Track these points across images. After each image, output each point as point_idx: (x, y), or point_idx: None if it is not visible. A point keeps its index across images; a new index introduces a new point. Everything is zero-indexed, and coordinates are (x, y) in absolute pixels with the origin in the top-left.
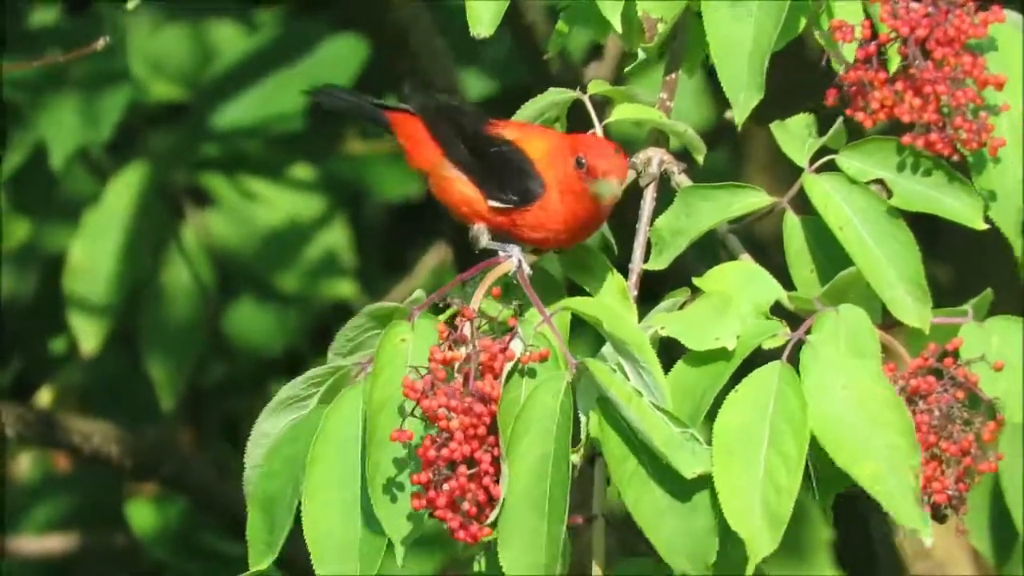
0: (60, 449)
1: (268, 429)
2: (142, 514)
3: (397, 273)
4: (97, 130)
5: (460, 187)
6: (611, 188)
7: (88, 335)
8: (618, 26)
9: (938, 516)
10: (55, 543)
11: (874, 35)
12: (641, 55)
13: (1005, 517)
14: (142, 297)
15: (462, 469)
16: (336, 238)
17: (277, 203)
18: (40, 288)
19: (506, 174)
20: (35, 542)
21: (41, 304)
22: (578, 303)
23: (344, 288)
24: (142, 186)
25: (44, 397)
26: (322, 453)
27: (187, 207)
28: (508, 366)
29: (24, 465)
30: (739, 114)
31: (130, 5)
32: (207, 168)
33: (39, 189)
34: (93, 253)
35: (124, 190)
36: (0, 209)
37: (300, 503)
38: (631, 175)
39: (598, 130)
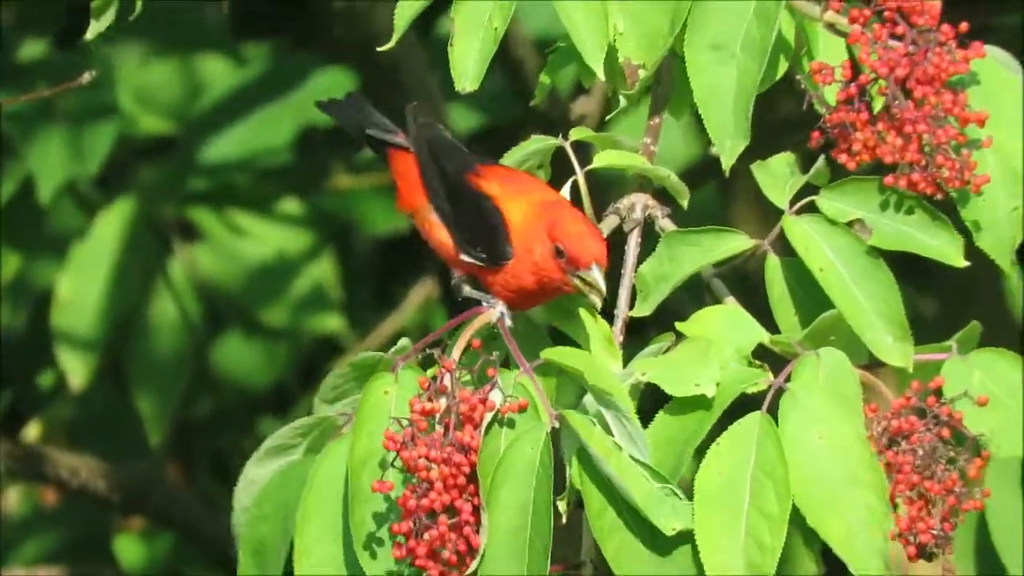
0: (48, 483)
1: (255, 476)
2: (130, 548)
3: (385, 308)
4: (85, 164)
5: (439, 233)
6: (597, 281)
7: (76, 370)
8: (601, 74)
9: (924, 555)
10: None
11: (855, 75)
12: (623, 102)
13: (991, 553)
14: (130, 331)
15: (443, 519)
16: (323, 272)
17: (265, 237)
18: (28, 322)
19: (479, 230)
20: None
21: (30, 338)
22: (559, 354)
23: (331, 322)
24: (130, 220)
25: (32, 432)
26: (314, 508)
27: (175, 241)
28: (488, 416)
29: (12, 499)
30: (726, 160)
31: (89, 35)
32: (195, 202)
33: (27, 223)
34: (81, 287)
35: (112, 224)
36: None
37: (292, 553)
38: (614, 220)
39: (580, 177)
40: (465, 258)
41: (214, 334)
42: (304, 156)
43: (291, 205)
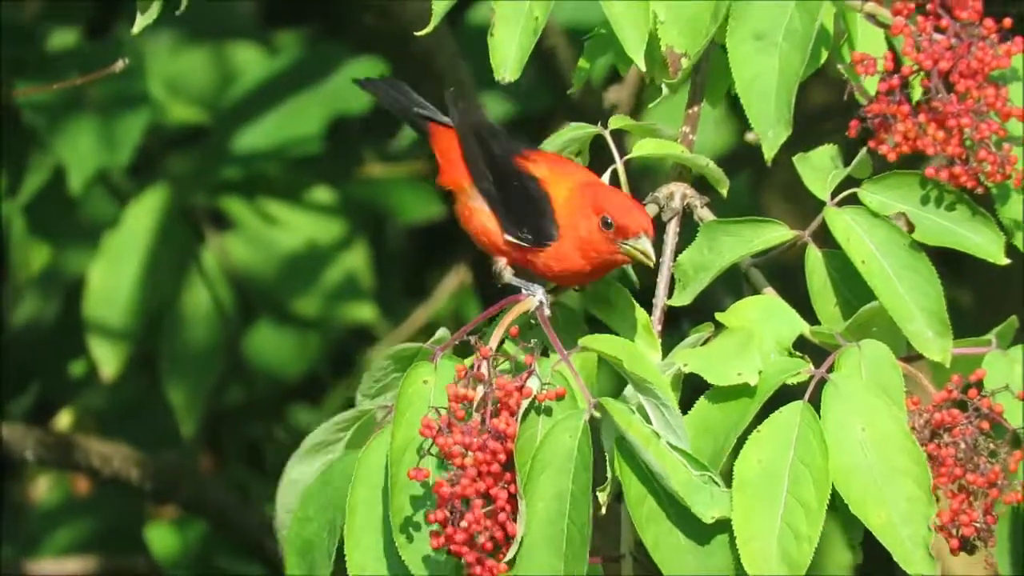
0: (80, 472)
1: (297, 476)
2: (162, 537)
3: (417, 296)
4: (116, 153)
5: (482, 218)
6: (646, 248)
7: (108, 360)
8: (641, 63)
9: (967, 548)
10: (74, 566)
11: (897, 67)
12: (665, 90)
13: None
14: (162, 321)
15: (477, 505)
16: (355, 261)
17: (297, 226)
18: (60, 312)
19: (526, 211)
20: (55, 565)
21: (61, 328)
22: (598, 342)
23: (364, 312)
24: (162, 209)
25: (63, 421)
26: (360, 500)
27: (207, 230)
28: (524, 404)
29: (43, 488)
30: (768, 150)
31: (135, 30)
32: (227, 191)
33: (58, 213)
34: (113, 277)
35: (144, 213)
36: (11, 234)
37: (341, 549)
38: (653, 209)
39: (619, 165)
40: (510, 239)
41: (246, 323)
42: (336, 145)
43: (323, 194)
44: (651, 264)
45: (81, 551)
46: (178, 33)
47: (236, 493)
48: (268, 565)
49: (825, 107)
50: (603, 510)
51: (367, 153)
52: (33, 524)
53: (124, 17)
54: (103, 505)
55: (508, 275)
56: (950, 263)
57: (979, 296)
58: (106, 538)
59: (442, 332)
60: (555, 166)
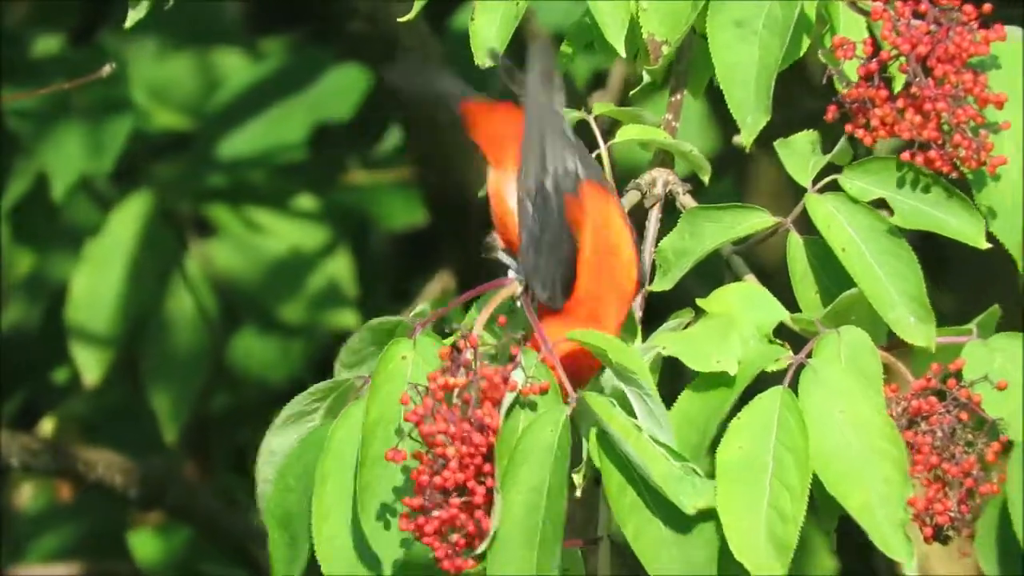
0: (64, 478)
1: (275, 447)
2: (146, 544)
3: (401, 303)
4: (100, 160)
5: (508, 220)
6: None
7: (90, 367)
8: (622, 50)
9: (940, 537)
10: (58, 572)
11: (876, 52)
12: (646, 78)
13: (1013, 540)
14: (145, 327)
15: (454, 499)
16: (339, 268)
17: (281, 233)
18: (43, 318)
19: (551, 267)
20: (38, 571)
21: (44, 334)
22: (582, 332)
23: (347, 318)
24: (145, 216)
25: (46, 427)
26: (331, 471)
27: (190, 237)
28: (509, 397)
29: (27, 494)
30: (747, 136)
31: (128, 24)
32: (211, 198)
33: (42, 219)
34: (96, 283)
35: (127, 220)
36: (0, 240)
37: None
38: (635, 196)
39: (603, 150)
40: (531, 297)
41: (230, 330)
42: (320, 152)
43: (307, 201)
44: None
45: (65, 557)
46: (162, 39)
47: (221, 499)
48: (253, 570)
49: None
50: (578, 493)
51: (351, 160)
52: (17, 530)
53: (108, 23)
54: (87, 511)
55: (500, 254)
56: (930, 262)
57: (960, 296)
58: (90, 544)
59: (422, 307)
60: (599, 226)
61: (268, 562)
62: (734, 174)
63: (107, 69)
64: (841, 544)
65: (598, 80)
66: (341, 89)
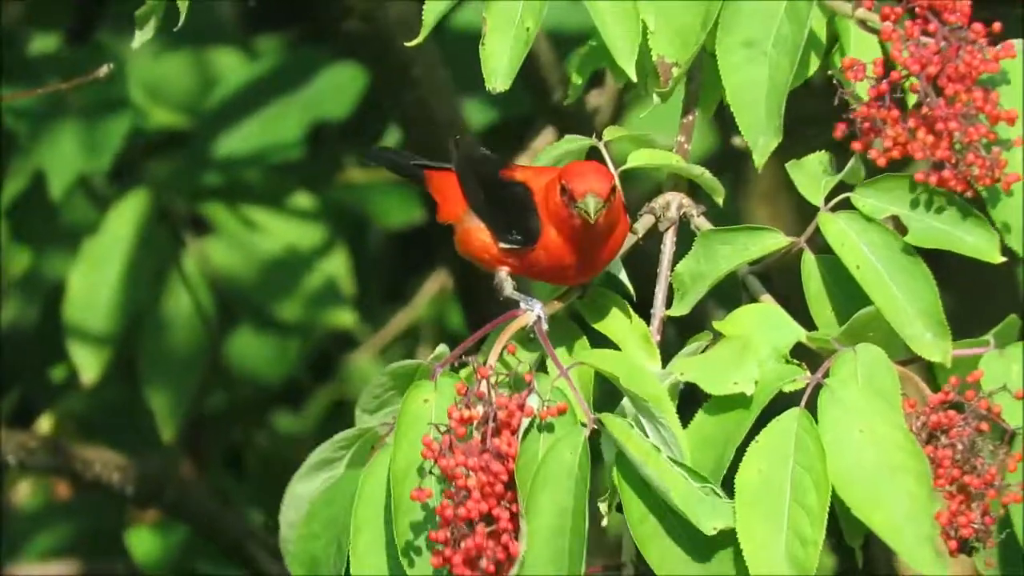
0: (61, 476)
1: (301, 492)
2: (143, 541)
3: (398, 301)
4: (97, 159)
5: (478, 235)
6: (589, 206)
7: (88, 365)
8: (633, 75)
9: (965, 550)
10: (55, 570)
11: (887, 72)
12: (656, 100)
13: (1014, 541)
14: (142, 326)
15: (480, 527)
16: (336, 267)
17: (277, 232)
18: (40, 317)
19: (512, 214)
20: (36, 569)
21: (41, 333)
22: (596, 357)
23: (344, 317)
24: (142, 214)
25: (44, 425)
26: (364, 519)
27: (187, 235)
28: (525, 422)
29: (24, 492)
30: (759, 158)
31: (135, 44)
32: (207, 196)
33: (39, 218)
34: (93, 282)
35: (124, 218)
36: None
37: (347, 567)
38: (649, 220)
39: (615, 176)
40: (504, 246)
41: (227, 329)
42: (316, 150)
43: (303, 199)
44: (590, 220)
45: (62, 555)
46: (159, 38)
47: (217, 498)
48: (249, 569)
49: (814, 117)
50: (605, 521)
51: (347, 158)
52: (14, 528)
53: (105, 22)
54: (84, 509)
55: (508, 288)
56: (931, 267)
57: (962, 303)
58: (87, 542)
59: (441, 349)
60: (537, 171)
61: (264, 562)
62: (732, 174)
63: (105, 69)
64: (841, 543)
65: (596, 79)
66: (337, 88)
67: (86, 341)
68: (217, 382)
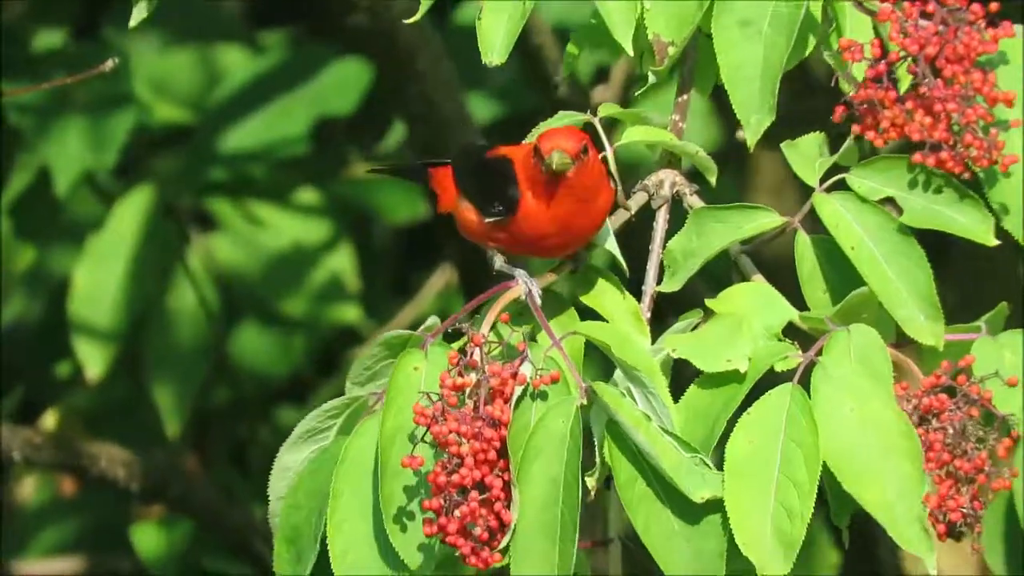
0: (66, 472)
1: (289, 462)
2: (148, 537)
3: (403, 296)
4: (102, 154)
5: (468, 215)
6: (553, 159)
7: (93, 360)
8: (630, 49)
9: (953, 534)
10: (61, 566)
11: (884, 54)
12: (652, 78)
13: (1019, 535)
14: (147, 322)
15: (473, 494)
16: (341, 262)
17: (282, 227)
18: (45, 312)
19: (493, 187)
20: (41, 565)
21: (46, 328)
22: (588, 327)
23: (349, 313)
24: (147, 210)
25: (49, 421)
26: (345, 485)
27: (192, 231)
28: (518, 390)
29: (30, 488)
30: (751, 136)
31: (132, 23)
32: (212, 192)
33: (44, 214)
34: (98, 277)
35: (129, 214)
36: (0, 234)
37: (325, 535)
38: (643, 197)
39: (609, 153)
40: (488, 220)
41: (232, 324)
42: (321, 145)
43: (308, 195)
44: (553, 171)
45: (67, 551)
46: (164, 34)
47: (222, 493)
48: (254, 564)
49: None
50: (592, 495)
51: (352, 154)
52: (20, 524)
53: (110, 17)
54: (89, 505)
55: (499, 262)
56: (930, 254)
57: (962, 290)
58: (92, 538)
59: (432, 320)
60: (524, 145)
61: (269, 557)
62: (736, 168)
63: (109, 64)
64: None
65: (602, 74)
66: (342, 83)
67: (91, 337)
68: (222, 378)
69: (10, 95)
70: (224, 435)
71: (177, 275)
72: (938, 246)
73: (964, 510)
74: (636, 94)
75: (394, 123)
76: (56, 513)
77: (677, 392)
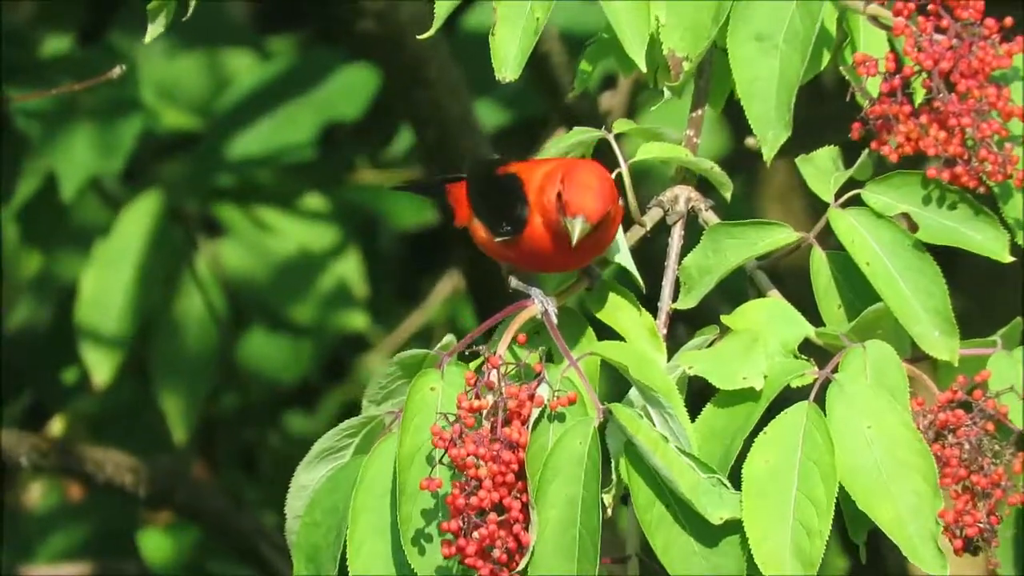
0: (74, 477)
1: (306, 481)
2: (155, 543)
3: (410, 302)
4: (109, 160)
5: (479, 232)
6: (575, 228)
7: (100, 367)
8: (643, 65)
9: (971, 549)
10: (68, 572)
11: (898, 68)
12: (667, 94)
13: None
14: (154, 327)
15: (492, 516)
16: (348, 268)
17: (290, 233)
18: (53, 319)
19: (502, 205)
20: (48, 571)
21: (54, 334)
22: (605, 348)
23: (356, 319)
24: (155, 216)
25: (56, 427)
26: (364, 505)
27: (199, 237)
28: (536, 412)
29: (37, 494)
30: (768, 151)
31: (147, 39)
32: (220, 198)
33: (51, 219)
34: (105, 283)
35: (136, 220)
36: (3, 241)
37: (344, 554)
38: (658, 213)
39: (624, 169)
40: (498, 240)
41: (239, 330)
42: (328, 151)
43: (316, 201)
44: (571, 241)
45: (74, 557)
46: (171, 39)
47: (230, 499)
48: (262, 570)
49: (825, 116)
50: (609, 513)
51: (359, 160)
52: (27, 530)
53: (117, 23)
54: (96, 511)
55: (514, 281)
56: (939, 262)
57: (971, 301)
58: (99, 543)
59: (448, 338)
60: (539, 161)
61: (277, 563)
62: (745, 174)
63: (117, 71)
64: (852, 546)
65: (609, 80)
66: (349, 89)
67: (98, 343)
68: (229, 384)
69: (17, 101)
70: (231, 441)
71: (184, 281)
72: (947, 251)
73: (981, 525)
74: (649, 110)
75: (401, 129)
76: (63, 519)
77: (692, 405)
